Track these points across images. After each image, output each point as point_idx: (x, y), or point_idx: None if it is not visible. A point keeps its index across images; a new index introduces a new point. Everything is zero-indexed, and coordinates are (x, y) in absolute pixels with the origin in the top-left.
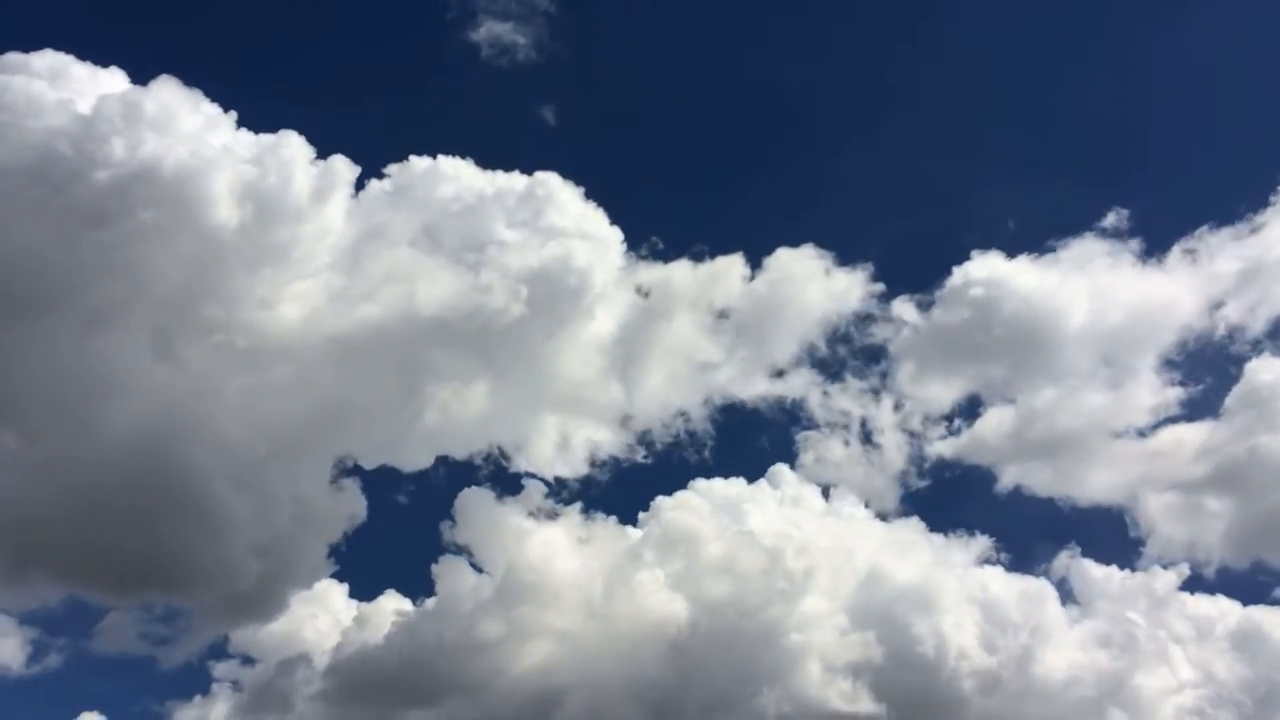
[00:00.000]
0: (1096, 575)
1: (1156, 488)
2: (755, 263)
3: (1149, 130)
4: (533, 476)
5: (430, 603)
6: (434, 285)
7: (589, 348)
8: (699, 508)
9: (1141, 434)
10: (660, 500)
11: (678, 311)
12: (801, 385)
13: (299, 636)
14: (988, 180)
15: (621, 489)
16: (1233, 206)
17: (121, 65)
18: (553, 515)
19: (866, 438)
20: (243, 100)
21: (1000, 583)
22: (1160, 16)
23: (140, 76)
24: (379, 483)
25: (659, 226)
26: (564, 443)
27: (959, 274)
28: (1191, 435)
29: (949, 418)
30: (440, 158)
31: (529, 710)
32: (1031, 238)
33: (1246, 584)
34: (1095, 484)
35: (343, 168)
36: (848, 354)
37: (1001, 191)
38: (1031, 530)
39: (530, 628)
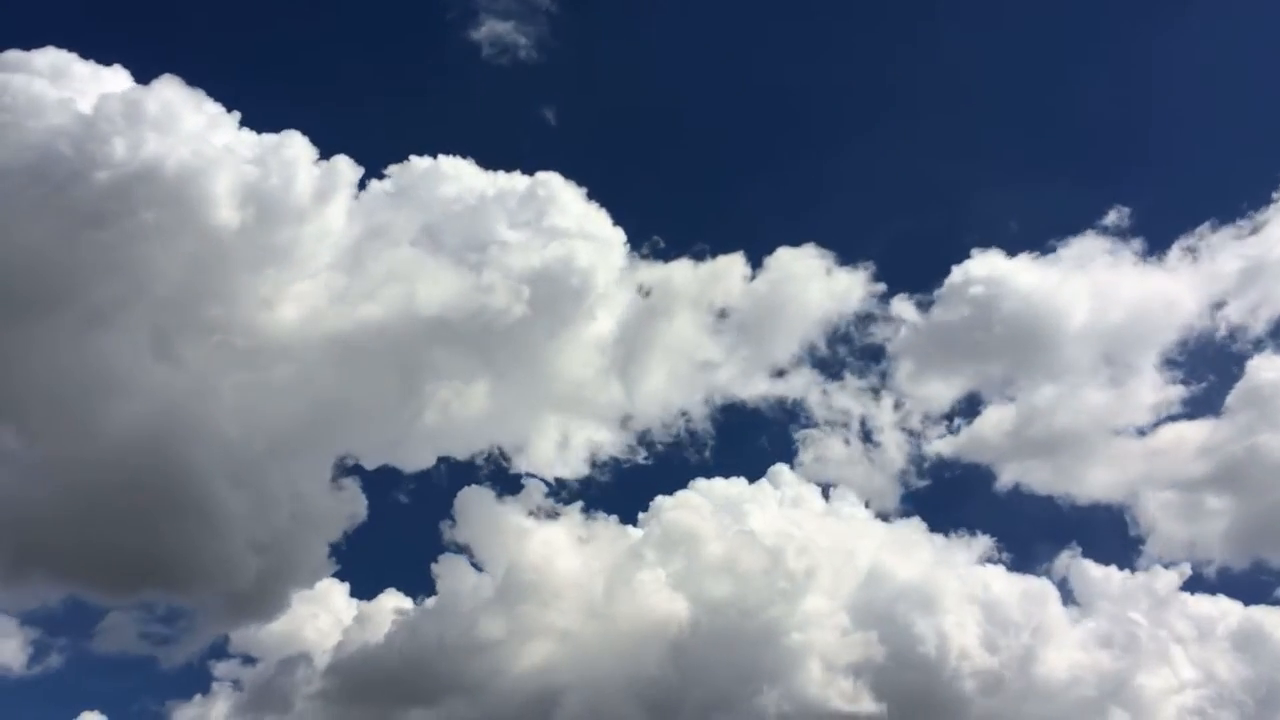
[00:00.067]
0: (1097, 575)
1: (1157, 486)
2: (756, 262)
3: (1150, 129)
4: (533, 477)
5: (431, 602)
6: (435, 285)
7: (590, 348)
8: (699, 507)
9: (1142, 432)
10: (661, 500)
11: (678, 311)
12: (802, 385)
13: (299, 636)
14: (989, 179)
15: (622, 489)
16: (1234, 205)
17: (125, 64)
18: (553, 515)
19: (866, 437)
20: (245, 100)
21: (1001, 582)
22: (1161, 15)
23: (144, 75)
24: (379, 482)
25: (660, 226)
26: (564, 443)
27: (958, 272)
28: (1192, 434)
29: (949, 416)
30: (441, 157)
31: (529, 710)
32: (1032, 237)
33: (1247, 584)
34: (1096, 483)
35: (346, 168)
36: (848, 353)
37: (1003, 191)
38: (1032, 529)
39: (531, 627)
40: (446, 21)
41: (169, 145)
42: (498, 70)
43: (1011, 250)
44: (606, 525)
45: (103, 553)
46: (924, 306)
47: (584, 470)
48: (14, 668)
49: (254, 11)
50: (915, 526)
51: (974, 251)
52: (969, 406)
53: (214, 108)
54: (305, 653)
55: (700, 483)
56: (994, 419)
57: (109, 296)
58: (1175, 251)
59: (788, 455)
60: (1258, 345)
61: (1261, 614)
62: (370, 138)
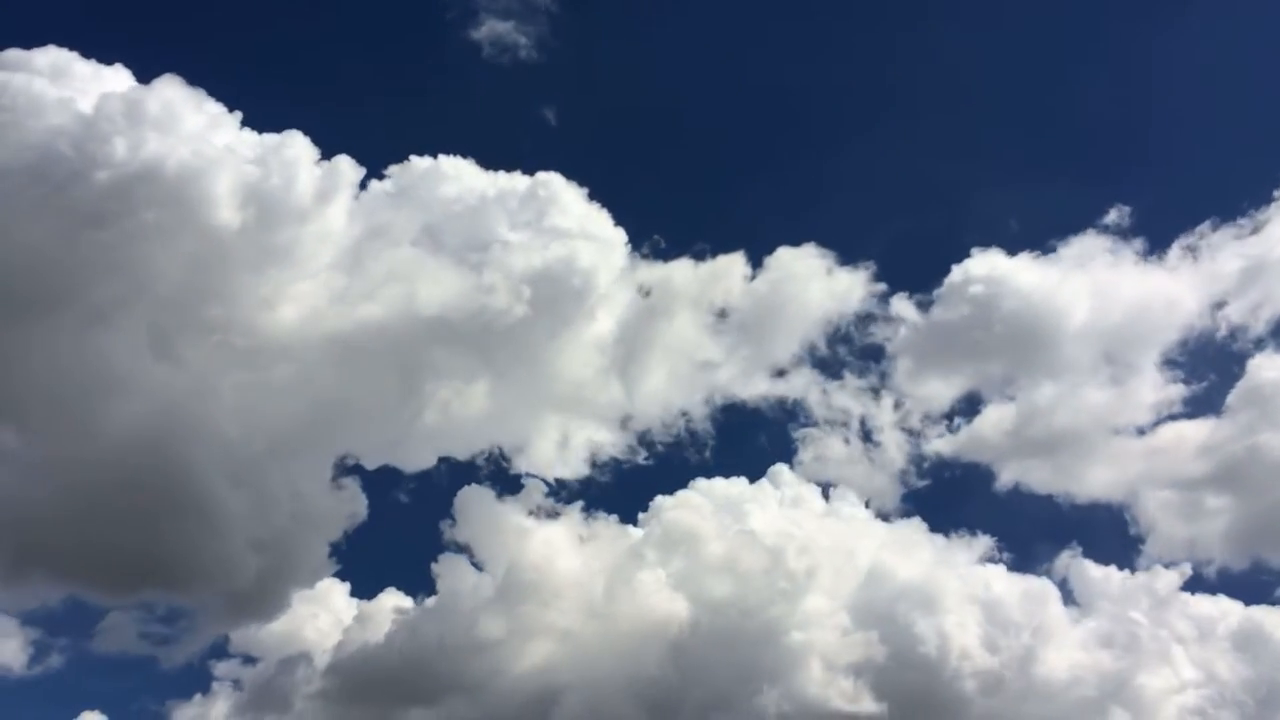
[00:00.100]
0: (1098, 575)
1: (1158, 486)
2: (756, 262)
3: (1151, 128)
4: (533, 477)
5: (431, 602)
6: (437, 285)
7: (590, 348)
8: (700, 507)
9: (1143, 432)
10: (662, 500)
11: (678, 310)
12: (802, 385)
13: (300, 636)
14: (989, 179)
15: (622, 489)
16: (1235, 204)
17: (127, 63)
18: (553, 514)
19: (866, 436)
20: (247, 99)
21: (1002, 582)
22: (1161, 15)
23: (146, 75)
24: (380, 482)
25: (660, 225)
26: (565, 443)
27: (958, 271)
28: (1193, 433)
29: (949, 416)
30: (442, 157)
31: (529, 709)
32: (1033, 236)
33: (1248, 584)
34: (1096, 482)
35: (347, 168)
36: (848, 353)
37: (1003, 190)
38: (1032, 529)
39: (531, 627)
40: (447, 21)
41: (170, 145)
42: (498, 70)
43: (1012, 249)
44: (607, 525)
45: (103, 552)
46: (924, 306)
47: (584, 470)
48: (14, 668)
49: (256, 11)
50: (916, 526)
51: (974, 251)
52: (969, 406)
53: (215, 107)
54: (305, 652)
55: (700, 482)
56: (994, 418)
57: (109, 296)
58: (1176, 250)
59: (788, 455)
60: (1258, 344)
61: (1262, 614)
62: (371, 137)
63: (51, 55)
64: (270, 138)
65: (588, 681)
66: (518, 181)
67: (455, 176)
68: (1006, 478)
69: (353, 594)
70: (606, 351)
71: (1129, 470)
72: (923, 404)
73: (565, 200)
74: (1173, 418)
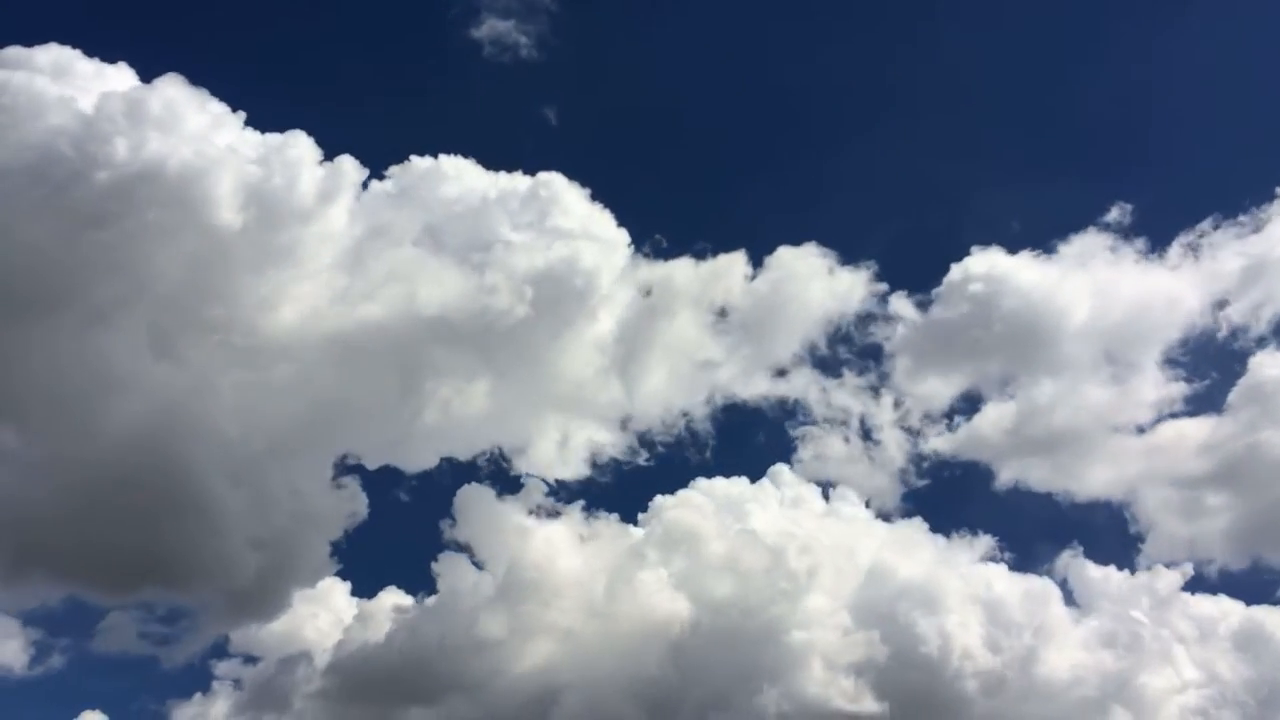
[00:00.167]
0: (1100, 575)
1: (1159, 484)
2: (757, 261)
3: (1152, 126)
4: (534, 478)
5: (431, 601)
6: (439, 286)
7: (591, 347)
8: (701, 506)
9: (1145, 430)
10: (663, 499)
11: (679, 310)
12: (803, 384)
13: (300, 635)
14: (990, 178)
15: (623, 490)
16: (1237, 202)
17: (131, 62)
18: (554, 513)
19: (866, 435)
20: (251, 99)
21: (1003, 582)
22: (1162, 13)
23: (150, 74)
24: (381, 482)
25: (661, 224)
26: (565, 444)
27: (957, 270)
28: (1194, 431)
29: (949, 415)
30: (443, 157)
31: (529, 708)
32: (1035, 235)
33: (1249, 584)
34: (1098, 480)
35: (350, 168)
36: (848, 352)
37: (1004, 189)
38: (1034, 528)
39: (531, 626)
40: (447, 20)
41: (171, 145)
42: (499, 69)
43: (1013, 248)
44: (607, 524)
45: (103, 551)
46: (923, 305)
47: (585, 471)
48: (15, 668)
49: (260, 10)
50: (916, 526)
51: (974, 249)
52: (969, 404)
53: (218, 107)
54: (306, 651)
55: (701, 482)
56: (993, 417)
57: (110, 296)
58: (1177, 249)
59: (788, 455)
60: (1260, 342)
61: (1263, 614)
62: (371, 137)
63: (53, 53)
64: (273, 137)
65: (588, 681)
66: (519, 182)
67: (456, 176)
68: (1006, 476)
69: (353, 593)
70: (607, 351)
71: (1130, 469)
72: (923, 403)
73: (567, 201)
74: (1174, 416)
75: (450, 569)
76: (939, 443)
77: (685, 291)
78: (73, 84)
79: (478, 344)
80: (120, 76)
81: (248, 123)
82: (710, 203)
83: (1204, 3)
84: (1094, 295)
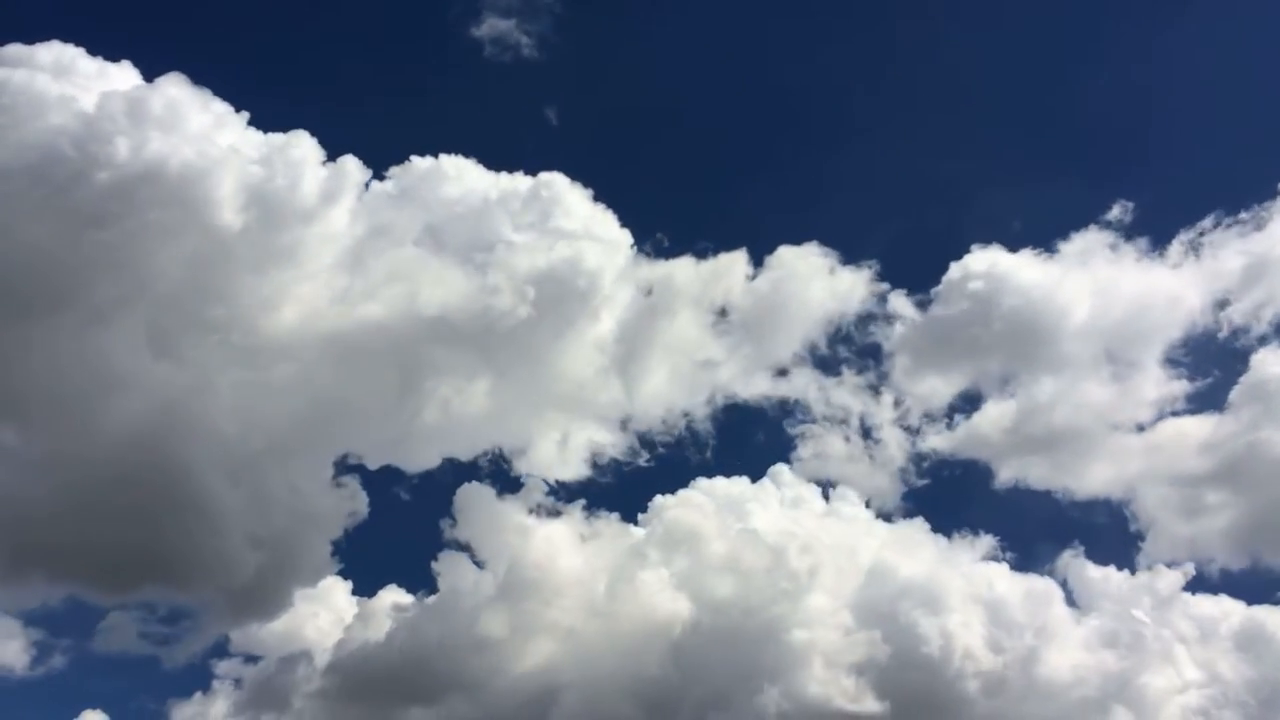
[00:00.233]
0: (1101, 574)
1: (1161, 483)
2: (758, 260)
3: (1153, 124)
4: (535, 478)
5: (432, 600)
6: (440, 286)
7: (592, 347)
8: (702, 506)
9: (1146, 428)
10: (663, 499)
11: (680, 309)
12: (804, 384)
13: (301, 634)
14: (992, 177)
15: (624, 491)
16: (1238, 200)
17: (135, 61)
18: (554, 512)
19: (866, 434)
20: (250, 99)
21: (1005, 581)
22: (1164, 10)
23: (153, 73)
24: (381, 481)
25: (662, 223)
26: (566, 444)
27: (956, 268)
28: (1196, 429)
29: (950, 413)
30: (444, 157)
31: (529, 708)
32: (1036, 233)
33: (1250, 584)
34: (1098, 479)
35: (354, 169)
36: (849, 351)
37: (1006, 188)
38: (1035, 528)
39: (532, 625)
40: (448, 19)
41: (173, 145)
42: (500, 68)
43: (1014, 247)
44: (608, 523)
45: (103, 550)
46: (923, 304)
47: (585, 472)
48: (17, 668)
49: (264, 9)
50: (918, 526)
51: (974, 248)
52: (969, 403)
53: (221, 106)
54: (306, 651)
55: (702, 482)
56: (994, 415)
57: (111, 296)
58: (1179, 247)
59: (789, 454)
60: (1262, 340)
61: (1264, 614)
62: (372, 137)
63: (55, 51)
64: (276, 137)
65: (588, 680)
66: (520, 182)
67: (457, 177)
68: (1006, 475)
69: (354, 592)
70: (607, 350)
71: (1131, 467)
72: (923, 401)
73: (569, 201)
74: (1174, 414)
75: (450, 568)
76: (938, 441)
77: (686, 291)
78: (74, 83)
79: (479, 344)
80: (123, 75)
81: (251, 122)
82: (711, 202)
83: (1205, 0)
84: (1094, 294)
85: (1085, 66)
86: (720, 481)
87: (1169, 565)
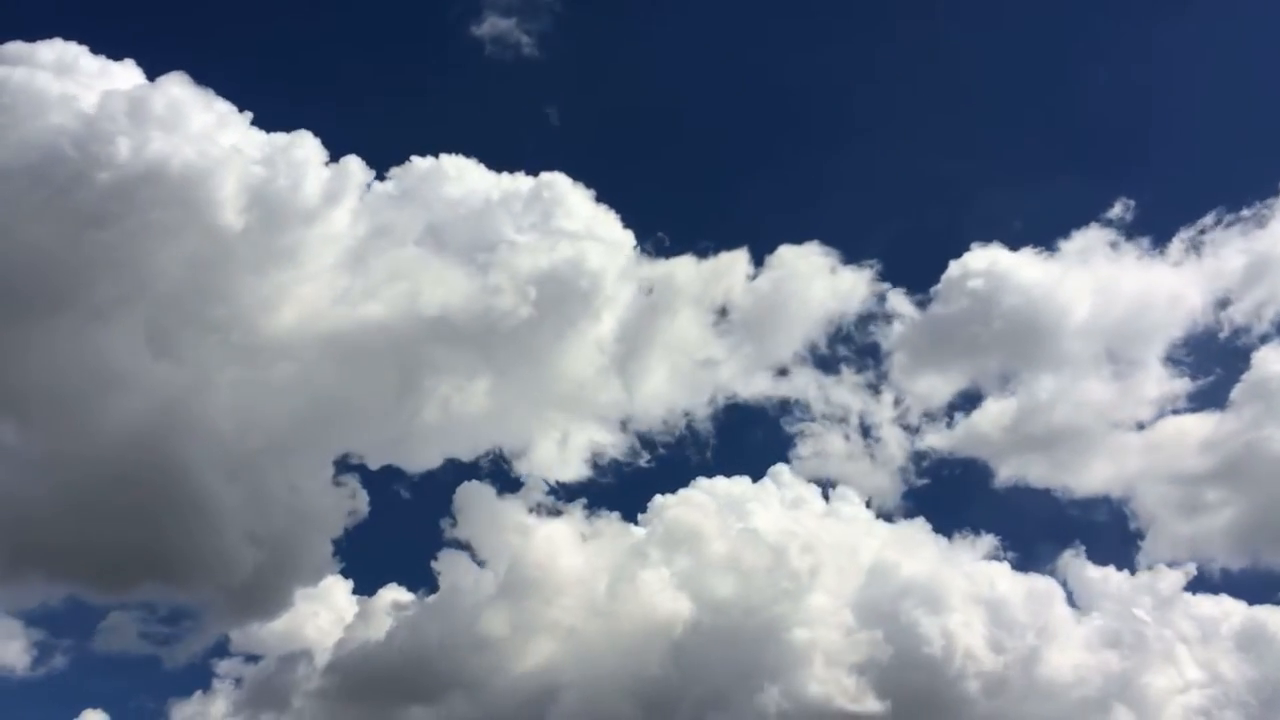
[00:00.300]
0: (1102, 574)
1: (1162, 482)
2: (759, 260)
3: (1155, 122)
4: (537, 478)
5: (432, 599)
6: (442, 287)
7: (593, 347)
8: (702, 505)
9: (1147, 427)
10: (664, 498)
11: (680, 308)
12: (805, 383)
13: (302, 633)
14: (994, 175)
15: (624, 491)
16: (1240, 198)
17: (138, 60)
18: (555, 512)
19: (866, 432)
20: (254, 98)
21: (1006, 581)
22: (1165, 7)
23: (157, 72)
24: (382, 481)
25: (663, 223)
26: (567, 445)
27: (956, 266)
28: (1197, 428)
29: (950, 411)
30: (444, 157)
31: (530, 707)
32: (1038, 232)
33: (1251, 584)
34: (1097, 477)
35: (357, 169)
36: (850, 351)
37: (1008, 186)
38: (1035, 527)
39: (532, 624)
40: (449, 18)
41: (174, 145)
42: (500, 67)
43: (1015, 245)
44: (609, 522)
45: (103, 549)
46: (924, 303)
47: (586, 473)
48: (18, 669)
49: (267, 9)
50: (919, 526)
51: (974, 246)
52: (969, 401)
53: (224, 106)
54: (306, 650)
55: (702, 481)
56: (994, 413)
57: (111, 295)
58: (1180, 245)
59: (790, 453)
60: (1263, 339)
61: (1265, 614)
62: (372, 137)
63: (57, 49)
64: (280, 137)
65: (589, 680)
66: (522, 182)
67: (458, 177)
68: (1006, 474)
69: (355, 591)
70: (607, 350)
71: (1132, 466)
72: (922, 400)
73: (571, 202)
74: (1175, 412)
75: (451, 567)
76: (938, 440)
77: (686, 290)
78: (76, 81)
79: (479, 344)
80: (126, 74)
81: (254, 122)
82: (712, 201)
83: None
84: (1095, 292)
85: (1086, 64)
86: (721, 481)
87: (1170, 565)
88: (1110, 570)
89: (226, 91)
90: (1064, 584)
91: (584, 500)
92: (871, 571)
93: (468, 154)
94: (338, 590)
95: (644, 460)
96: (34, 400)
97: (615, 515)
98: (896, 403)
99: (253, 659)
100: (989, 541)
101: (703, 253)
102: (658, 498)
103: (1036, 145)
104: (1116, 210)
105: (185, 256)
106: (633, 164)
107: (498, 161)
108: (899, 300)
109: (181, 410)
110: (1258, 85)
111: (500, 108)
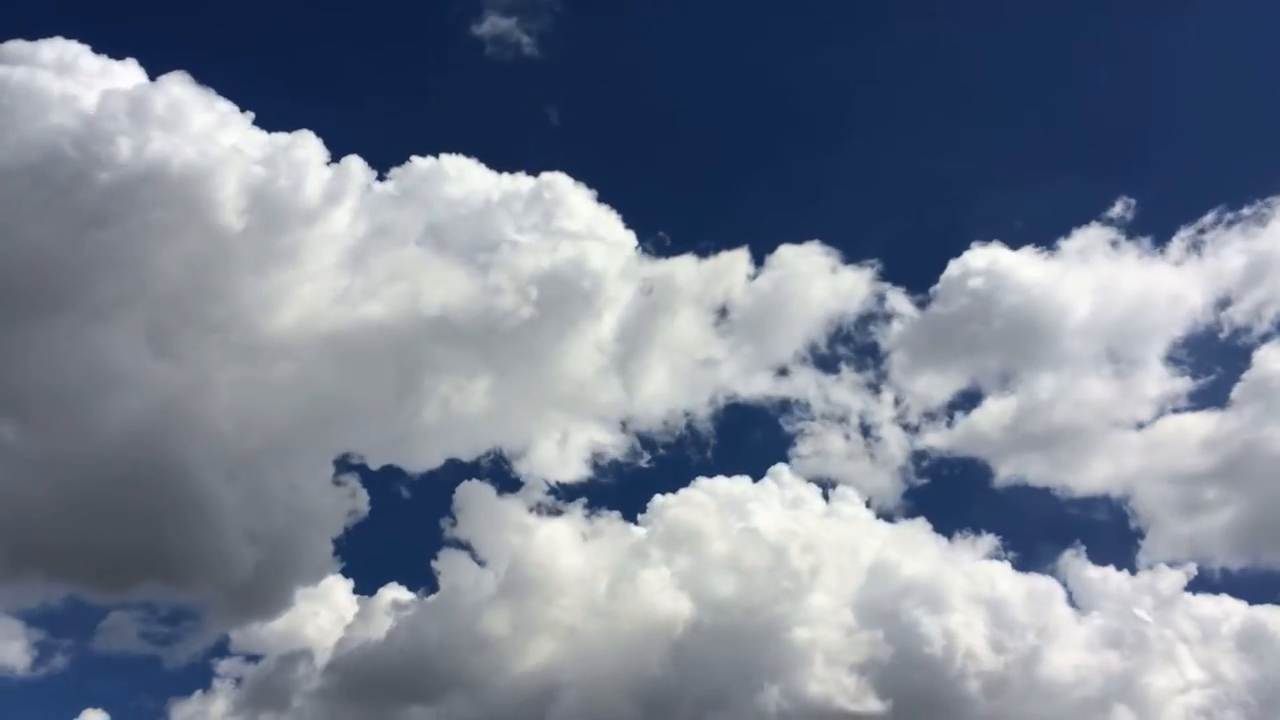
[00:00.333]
0: (1102, 575)
1: (1163, 482)
2: (759, 259)
3: (1156, 121)
4: (537, 478)
5: (433, 599)
6: (443, 287)
7: (594, 348)
8: (703, 505)
9: (1148, 426)
10: (665, 498)
11: (680, 307)
12: (805, 383)
13: (302, 633)
14: (994, 175)
15: (625, 491)
16: (1241, 197)
17: (140, 59)
18: (555, 512)
19: (866, 432)
20: (256, 98)
21: (1007, 581)
22: (1166, 5)
23: (159, 71)
24: (383, 480)
25: (664, 222)
26: (567, 445)
27: (955, 265)
28: (1198, 427)
29: (950, 410)
30: (445, 156)
31: (530, 706)
32: (1038, 231)
33: (1252, 584)
34: (1099, 477)
35: (358, 169)
36: (850, 350)
37: (1009, 185)
38: (1036, 527)
39: (533, 624)
40: (449, 17)
41: (174, 145)
42: (500, 67)
43: (1015, 244)
44: (610, 522)
45: (103, 549)
46: (925, 302)
47: (586, 473)
48: (18, 669)
49: (265, 9)
50: (920, 526)
51: (974, 245)
52: (969, 400)
53: (225, 105)
54: (306, 649)
55: (703, 481)
56: (994, 412)
57: (112, 295)
58: (1181, 244)
59: (790, 453)
60: (1264, 338)
61: (1266, 614)
62: (373, 137)
63: (58, 48)
64: (281, 137)
65: (589, 679)
66: (522, 182)
67: (458, 177)
68: (1005, 473)
69: (355, 591)
70: (608, 350)
71: (1132, 466)
72: (923, 400)
73: (572, 202)
74: (1176, 411)
75: (451, 566)
76: (937, 439)
77: (686, 289)
78: (77, 81)
79: (480, 344)
80: (128, 74)
81: (256, 122)
82: (712, 201)
83: None
84: (1095, 291)
85: (1086, 64)
86: (721, 481)
87: (1170, 565)
88: (1110, 570)
89: (228, 91)
90: (1064, 584)
91: (584, 500)
92: (872, 571)
93: (468, 154)
94: (338, 590)
95: (644, 460)
96: (34, 400)
97: (616, 515)
98: (896, 402)
99: (253, 659)
100: (989, 541)
101: (703, 252)
102: (658, 497)
103: (1037, 144)
104: (1117, 209)
105: (186, 256)
106: (633, 163)
107: (498, 162)
108: (899, 299)
109: (182, 410)
110: (1258, 85)
111: (501, 107)
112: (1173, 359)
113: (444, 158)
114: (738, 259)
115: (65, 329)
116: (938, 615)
